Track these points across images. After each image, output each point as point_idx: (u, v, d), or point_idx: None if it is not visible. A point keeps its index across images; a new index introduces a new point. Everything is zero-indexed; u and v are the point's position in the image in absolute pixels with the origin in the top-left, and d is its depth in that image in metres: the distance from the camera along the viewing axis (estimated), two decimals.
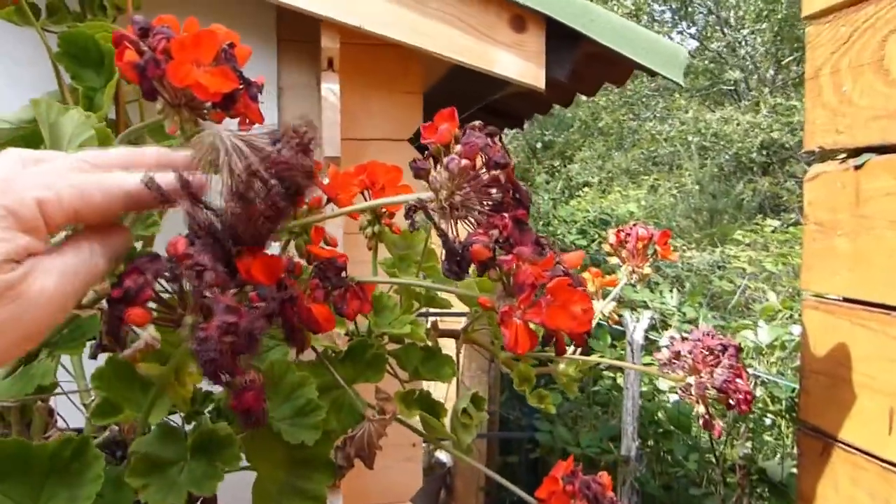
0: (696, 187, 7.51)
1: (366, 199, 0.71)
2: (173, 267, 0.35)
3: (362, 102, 1.11)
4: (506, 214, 0.48)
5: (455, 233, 0.50)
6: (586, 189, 8.15)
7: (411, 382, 0.82)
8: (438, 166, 0.50)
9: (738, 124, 8.11)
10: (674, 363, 0.81)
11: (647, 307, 3.30)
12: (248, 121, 0.57)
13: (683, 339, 0.82)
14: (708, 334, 0.80)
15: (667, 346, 0.82)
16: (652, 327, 2.81)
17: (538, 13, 1.00)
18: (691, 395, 0.78)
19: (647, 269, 0.94)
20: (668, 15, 10.24)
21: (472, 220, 0.50)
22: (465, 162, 0.48)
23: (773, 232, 4.94)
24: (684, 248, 5.27)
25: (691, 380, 0.78)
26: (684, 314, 3.38)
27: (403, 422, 0.68)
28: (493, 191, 0.49)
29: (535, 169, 8.18)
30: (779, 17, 8.66)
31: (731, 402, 0.75)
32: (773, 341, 2.35)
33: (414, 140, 1.16)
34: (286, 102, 1.11)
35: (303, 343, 0.42)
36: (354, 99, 1.10)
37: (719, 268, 4.53)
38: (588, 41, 1.01)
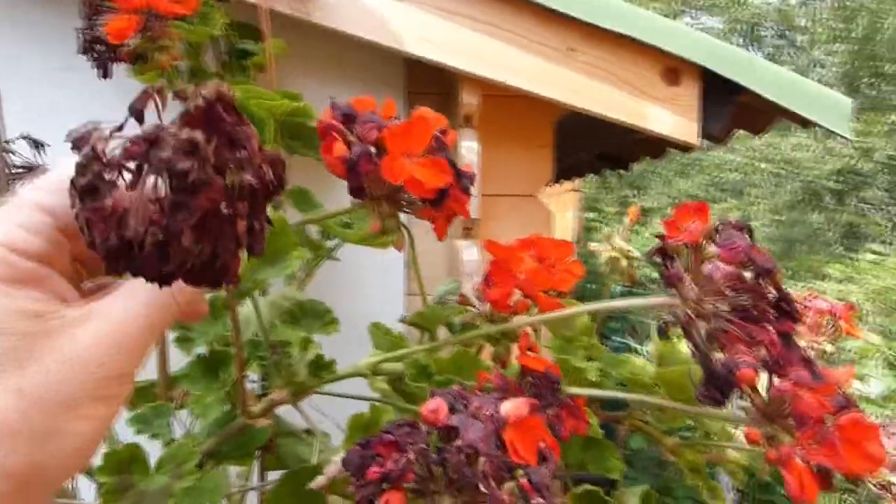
0: (775, 217, 7.20)
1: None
2: (441, 448, 0.30)
3: (494, 157, 1.06)
4: (770, 327, 0.42)
5: (705, 344, 0.44)
6: (652, 216, 7.93)
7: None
8: (687, 272, 0.44)
9: (810, 150, 7.80)
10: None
11: None
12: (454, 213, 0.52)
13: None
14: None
15: None
16: None
17: (694, 65, 0.93)
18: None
19: (828, 347, 0.85)
20: (736, 38, 9.99)
21: (720, 331, 0.43)
22: (729, 268, 0.42)
23: (870, 264, 4.65)
24: None
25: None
26: None
27: None
28: (752, 298, 0.42)
29: (605, 199, 8.00)
30: (855, 36, 8.31)
31: None
32: (892, 392, 2.18)
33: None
34: None
35: None
36: (486, 154, 1.05)
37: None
38: (747, 93, 0.94)
